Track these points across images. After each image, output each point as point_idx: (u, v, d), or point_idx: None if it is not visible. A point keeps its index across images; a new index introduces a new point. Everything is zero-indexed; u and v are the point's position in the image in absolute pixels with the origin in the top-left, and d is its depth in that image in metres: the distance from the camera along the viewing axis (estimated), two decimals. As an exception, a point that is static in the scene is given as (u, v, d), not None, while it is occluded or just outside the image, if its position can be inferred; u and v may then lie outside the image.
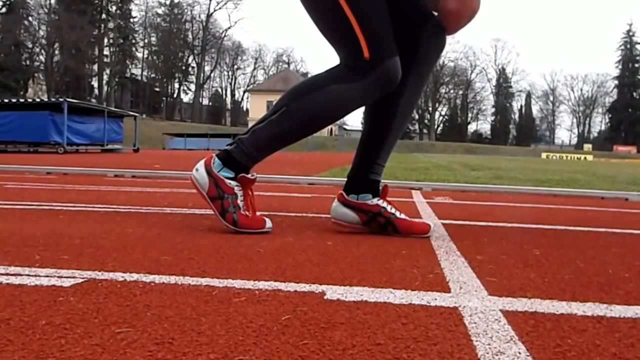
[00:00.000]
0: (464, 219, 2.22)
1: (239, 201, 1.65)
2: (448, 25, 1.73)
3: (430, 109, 77.81)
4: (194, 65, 76.09)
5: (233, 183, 1.65)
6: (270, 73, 78.50)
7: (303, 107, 1.63)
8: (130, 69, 71.41)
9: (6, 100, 15.39)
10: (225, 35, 76.68)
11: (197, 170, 1.69)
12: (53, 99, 23.41)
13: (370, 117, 1.79)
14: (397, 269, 1.23)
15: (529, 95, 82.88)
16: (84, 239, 1.48)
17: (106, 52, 67.40)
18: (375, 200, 1.74)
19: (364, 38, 1.55)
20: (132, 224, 1.79)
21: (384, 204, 1.74)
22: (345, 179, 1.83)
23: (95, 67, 65.34)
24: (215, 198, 1.65)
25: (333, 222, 1.80)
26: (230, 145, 1.70)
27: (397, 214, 1.72)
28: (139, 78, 72.37)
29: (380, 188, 1.77)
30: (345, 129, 79.62)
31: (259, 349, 0.73)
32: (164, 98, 75.75)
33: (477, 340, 0.78)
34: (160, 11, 74.14)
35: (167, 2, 73.54)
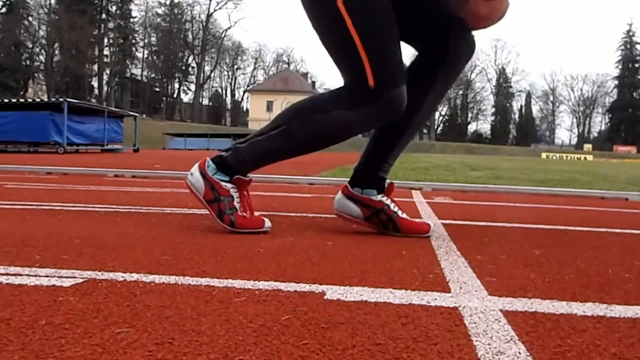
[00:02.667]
0: (464, 219, 2.22)
1: (235, 203, 1.65)
2: (473, 27, 1.70)
3: (430, 109, 77.67)
4: (194, 65, 76.11)
5: (228, 185, 1.65)
6: (270, 73, 78.47)
7: (303, 129, 1.63)
8: (130, 69, 71.41)
9: (6, 100, 15.40)
10: (225, 35, 76.72)
11: (191, 174, 1.69)
12: (53, 99, 23.41)
13: None
14: (397, 269, 1.23)
15: (529, 95, 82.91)
16: (84, 239, 1.48)
17: (106, 52, 67.41)
18: (379, 197, 1.74)
19: (370, 67, 1.53)
20: (132, 224, 1.79)
21: (388, 202, 1.73)
22: (349, 176, 1.82)
23: (95, 67, 65.31)
24: (212, 201, 1.65)
25: (336, 214, 1.80)
26: (225, 152, 1.70)
27: (399, 212, 1.73)
28: (139, 78, 72.36)
29: (386, 185, 1.77)
30: (345, 129, 79.33)
31: (259, 349, 0.73)
32: (164, 98, 75.74)
33: (477, 340, 0.78)
34: (160, 11, 74.19)
35: (167, 2, 73.56)
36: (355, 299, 0.98)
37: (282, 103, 55.80)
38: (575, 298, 1.03)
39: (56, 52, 61.65)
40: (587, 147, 64.03)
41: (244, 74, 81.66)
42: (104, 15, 68.03)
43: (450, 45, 1.69)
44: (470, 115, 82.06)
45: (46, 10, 62.36)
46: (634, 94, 76.77)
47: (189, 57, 75.58)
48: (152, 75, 74.30)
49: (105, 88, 66.21)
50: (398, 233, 1.70)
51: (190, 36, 75.00)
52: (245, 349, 0.72)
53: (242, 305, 0.92)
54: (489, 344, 0.77)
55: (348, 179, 1.82)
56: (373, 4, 1.54)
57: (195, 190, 1.68)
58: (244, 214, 1.66)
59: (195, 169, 1.69)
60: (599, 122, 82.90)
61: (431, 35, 1.69)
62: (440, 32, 1.69)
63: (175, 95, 76.95)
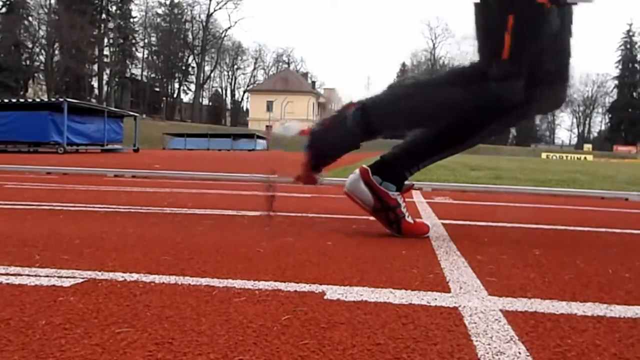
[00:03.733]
0: (464, 219, 2.22)
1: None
2: None
3: (430, 109, 77.75)
4: (194, 65, 76.05)
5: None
6: (270, 73, 78.43)
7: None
8: (130, 69, 71.37)
9: (6, 100, 15.38)
10: (225, 35, 76.68)
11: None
12: (53, 99, 23.40)
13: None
14: (397, 269, 1.23)
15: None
16: (84, 239, 1.48)
17: (106, 52, 67.36)
18: (396, 194, 1.73)
19: (509, 43, 1.52)
20: (132, 224, 1.79)
21: (402, 202, 1.73)
22: (375, 161, 1.79)
23: (95, 67, 65.27)
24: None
25: (345, 193, 1.77)
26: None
27: (407, 215, 1.72)
28: (139, 78, 72.33)
29: (406, 185, 1.76)
30: (345, 129, 79.13)
31: (259, 349, 0.73)
32: (164, 98, 75.71)
33: (477, 340, 0.78)
34: (160, 11, 74.12)
35: (167, 2, 73.52)
36: (355, 299, 0.98)
37: (282, 103, 55.80)
38: (575, 298, 1.03)
39: (56, 52, 61.59)
40: (587, 147, 64.05)
41: (244, 74, 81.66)
42: (104, 15, 67.97)
43: (538, 94, 1.66)
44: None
45: (46, 10, 62.30)
46: (634, 94, 76.75)
47: (189, 57, 75.56)
48: (152, 75, 74.25)
49: (105, 88, 66.17)
50: (398, 234, 1.70)
51: (190, 36, 74.97)
52: (245, 349, 0.72)
53: (242, 305, 0.92)
54: (489, 344, 0.77)
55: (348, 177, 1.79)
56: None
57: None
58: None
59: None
60: (599, 122, 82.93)
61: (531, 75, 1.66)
62: (543, 76, 1.66)
63: (175, 95, 76.93)
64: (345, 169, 6.41)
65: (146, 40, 73.40)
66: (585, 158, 45.38)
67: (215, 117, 76.03)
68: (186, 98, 78.50)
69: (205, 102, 79.87)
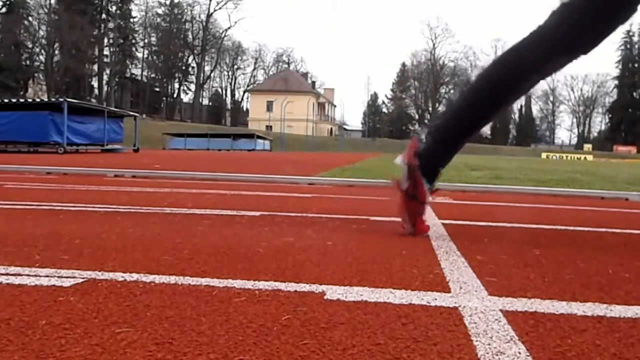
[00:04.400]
0: (464, 219, 2.22)
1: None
2: None
3: (430, 108, 77.91)
4: (194, 65, 76.04)
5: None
6: (270, 73, 78.44)
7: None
8: (130, 69, 71.34)
9: (6, 100, 15.38)
10: (225, 35, 76.66)
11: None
12: (53, 99, 23.41)
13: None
14: (397, 269, 1.23)
15: (529, 96, 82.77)
16: (84, 239, 1.48)
17: (106, 52, 67.35)
18: (428, 189, 1.72)
19: None
20: (132, 224, 1.79)
21: (429, 199, 1.73)
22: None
23: (95, 67, 65.26)
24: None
25: (396, 163, 1.76)
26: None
27: (424, 215, 1.72)
28: (139, 78, 72.31)
29: (434, 185, 1.75)
30: (345, 129, 79.47)
31: (259, 349, 0.73)
32: (164, 98, 75.69)
33: (477, 340, 0.78)
34: (160, 11, 74.12)
35: (167, 2, 73.51)
36: (355, 299, 0.98)
37: (282, 103, 55.79)
38: (575, 298, 1.03)
39: (56, 52, 61.56)
40: (587, 147, 64.09)
41: (244, 74, 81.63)
42: (104, 15, 67.95)
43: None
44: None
45: (46, 10, 62.25)
46: (634, 94, 76.72)
47: (189, 57, 75.54)
48: (152, 75, 74.23)
49: (105, 88, 66.13)
50: (410, 229, 1.68)
51: (190, 36, 74.95)
52: (245, 349, 0.72)
53: (242, 305, 0.92)
54: (489, 344, 0.77)
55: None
56: None
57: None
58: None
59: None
60: (599, 122, 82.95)
61: None
62: None
63: (175, 95, 76.91)
64: (343, 169, 6.42)
65: (146, 40, 73.42)
66: (585, 158, 45.40)
67: (215, 117, 76.01)
68: (186, 98, 78.54)
69: (205, 102, 79.88)
